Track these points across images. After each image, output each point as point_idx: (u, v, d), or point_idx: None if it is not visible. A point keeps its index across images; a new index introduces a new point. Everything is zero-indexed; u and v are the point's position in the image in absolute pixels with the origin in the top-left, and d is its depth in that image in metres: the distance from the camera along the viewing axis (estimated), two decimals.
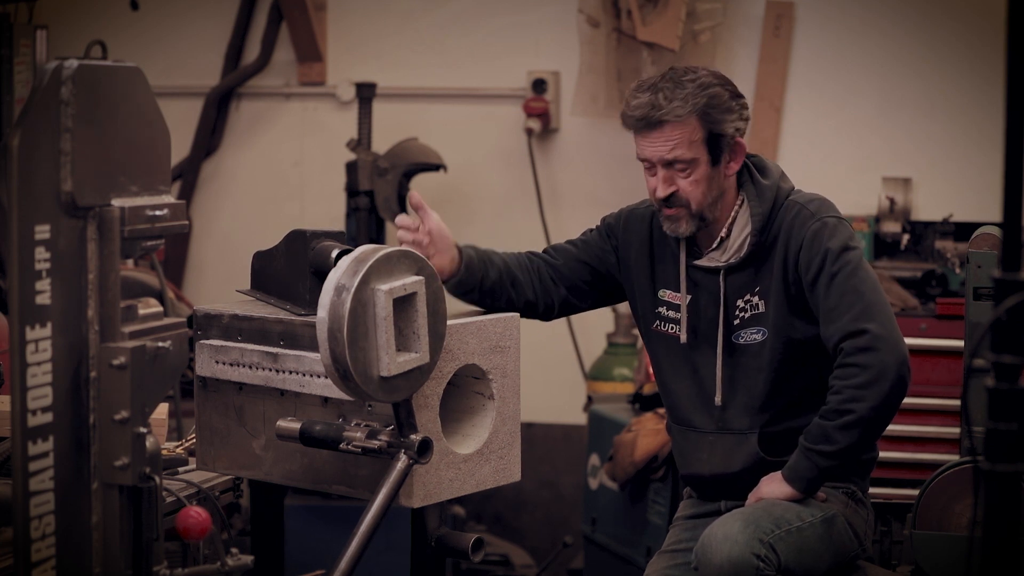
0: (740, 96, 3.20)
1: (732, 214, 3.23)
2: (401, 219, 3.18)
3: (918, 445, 4.80)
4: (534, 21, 6.13)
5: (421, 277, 2.83)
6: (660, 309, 3.32)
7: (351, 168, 5.82)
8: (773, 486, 3.17)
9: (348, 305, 2.71)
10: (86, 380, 2.38)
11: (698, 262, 3.26)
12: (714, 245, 3.24)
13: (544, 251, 3.41)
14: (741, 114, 3.18)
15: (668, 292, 3.30)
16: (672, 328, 3.30)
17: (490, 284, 3.24)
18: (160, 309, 2.51)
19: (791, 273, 3.17)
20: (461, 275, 3.20)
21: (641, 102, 3.15)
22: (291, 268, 3.12)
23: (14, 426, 2.28)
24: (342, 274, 2.74)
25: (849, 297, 3.10)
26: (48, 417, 2.31)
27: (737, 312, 3.22)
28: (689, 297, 3.27)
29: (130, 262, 5.25)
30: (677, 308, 3.28)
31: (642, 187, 3.25)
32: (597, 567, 5.13)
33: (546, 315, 3.38)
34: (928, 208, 5.57)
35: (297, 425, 2.93)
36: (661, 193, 3.17)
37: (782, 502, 3.15)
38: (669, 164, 3.16)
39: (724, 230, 3.23)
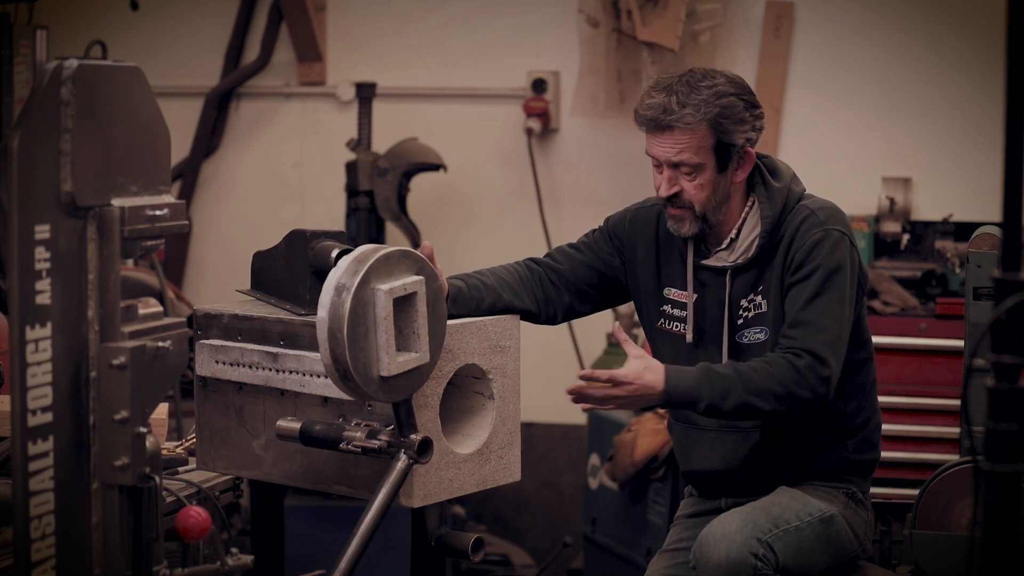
0: (756, 106, 3.19)
1: (743, 215, 3.23)
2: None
3: (918, 445, 4.80)
4: (534, 22, 6.12)
5: (421, 277, 2.83)
6: (665, 307, 3.32)
7: (351, 168, 5.82)
8: (648, 376, 3.07)
9: (348, 305, 2.71)
10: (86, 380, 2.38)
11: (705, 262, 3.26)
12: (723, 245, 3.24)
13: (547, 255, 3.41)
14: (754, 125, 3.18)
15: (674, 291, 3.31)
16: (677, 326, 3.30)
17: (484, 310, 3.21)
18: (160, 309, 2.51)
19: (787, 272, 3.17)
20: (448, 309, 3.15)
21: (654, 103, 3.15)
22: (291, 268, 3.12)
23: (14, 426, 2.28)
24: (342, 274, 2.74)
25: (824, 321, 3.10)
26: (48, 417, 2.31)
27: (741, 312, 3.23)
28: (696, 296, 3.27)
29: (130, 262, 5.25)
30: (683, 307, 3.28)
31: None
32: (597, 567, 5.13)
33: (549, 322, 3.38)
34: (928, 208, 5.57)
35: (297, 425, 2.93)
36: (664, 193, 3.19)
37: (781, 502, 3.15)
38: (675, 166, 3.16)
39: (733, 231, 3.23)
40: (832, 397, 3.09)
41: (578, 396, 3.08)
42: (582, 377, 3.11)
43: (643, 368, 3.08)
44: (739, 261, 3.23)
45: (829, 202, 3.24)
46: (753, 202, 3.23)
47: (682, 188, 3.17)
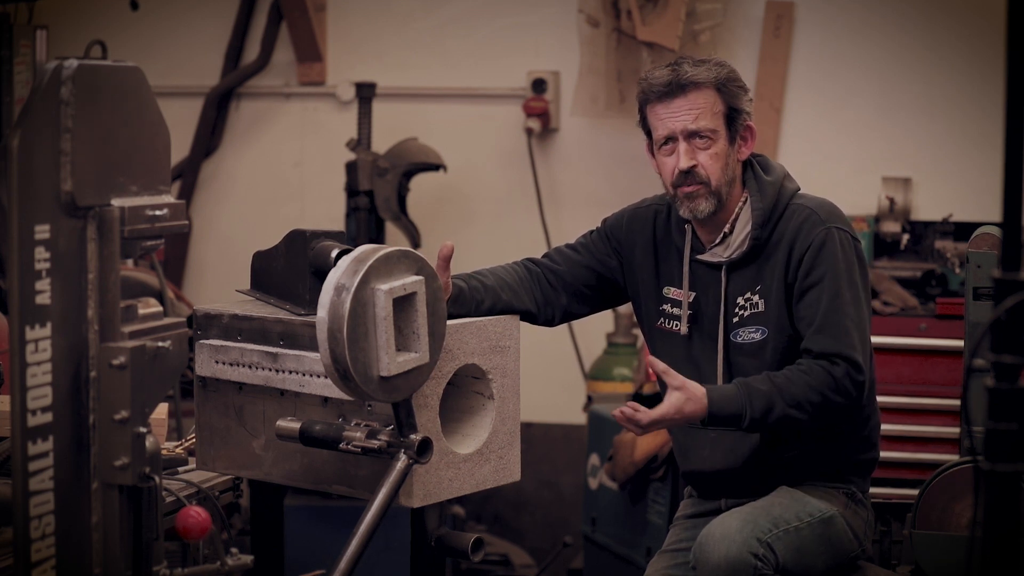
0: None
1: (736, 210, 3.23)
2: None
3: (918, 445, 4.80)
4: (534, 21, 6.13)
5: (421, 277, 2.83)
6: (664, 307, 3.32)
7: (351, 168, 5.82)
8: (688, 407, 3.08)
9: (348, 305, 2.71)
10: (86, 380, 2.38)
11: (701, 257, 3.26)
12: (717, 240, 3.25)
13: (544, 256, 3.41)
14: (750, 97, 3.26)
15: (672, 289, 3.31)
16: (675, 325, 3.30)
17: (483, 312, 3.21)
18: (160, 309, 2.51)
19: (792, 274, 3.17)
20: (448, 310, 3.15)
21: (664, 73, 3.20)
22: (291, 268, 3.12)
23: (14, 426, 2.28)
24: (342, 274, 2.74)
25: (847, 324, 3.11)
26: (48, 417, 2.31)
27: (737, 310, 3.23)
28: (693, 294, 3.27)
29: (130, 262, 5.25)
30: (680, 304, 3.28)
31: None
32: (597, 567, 5.13)
33: (547, 323, 3.38)
34: (928, 208, 5.57)
35: (297, 425, 2.93)
36: (684, 164, 3.18)
37: (781, 502, 3.15)
38: (691, 136, 3.18)
39: (728, 226, 3.24)
40: (866, 375, 3.11)
41: (625, 421, 3.10)
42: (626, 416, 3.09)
43: (683, 401, 3.08)
44: (734, 256, 3.23)
45: (825, 200, 3.25)
46: (746, 198, 3.24)
47: (698, 161, 3.18)
